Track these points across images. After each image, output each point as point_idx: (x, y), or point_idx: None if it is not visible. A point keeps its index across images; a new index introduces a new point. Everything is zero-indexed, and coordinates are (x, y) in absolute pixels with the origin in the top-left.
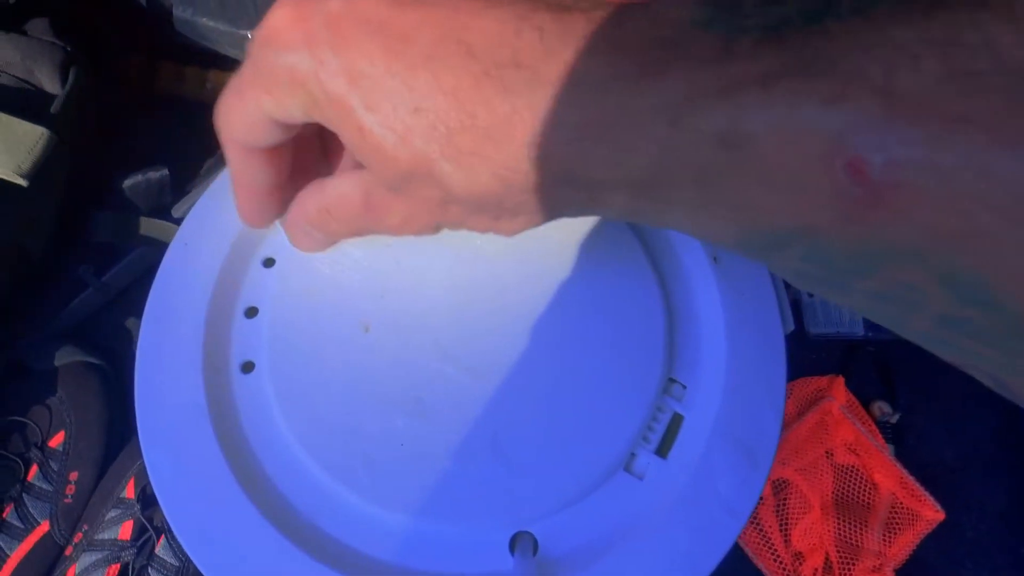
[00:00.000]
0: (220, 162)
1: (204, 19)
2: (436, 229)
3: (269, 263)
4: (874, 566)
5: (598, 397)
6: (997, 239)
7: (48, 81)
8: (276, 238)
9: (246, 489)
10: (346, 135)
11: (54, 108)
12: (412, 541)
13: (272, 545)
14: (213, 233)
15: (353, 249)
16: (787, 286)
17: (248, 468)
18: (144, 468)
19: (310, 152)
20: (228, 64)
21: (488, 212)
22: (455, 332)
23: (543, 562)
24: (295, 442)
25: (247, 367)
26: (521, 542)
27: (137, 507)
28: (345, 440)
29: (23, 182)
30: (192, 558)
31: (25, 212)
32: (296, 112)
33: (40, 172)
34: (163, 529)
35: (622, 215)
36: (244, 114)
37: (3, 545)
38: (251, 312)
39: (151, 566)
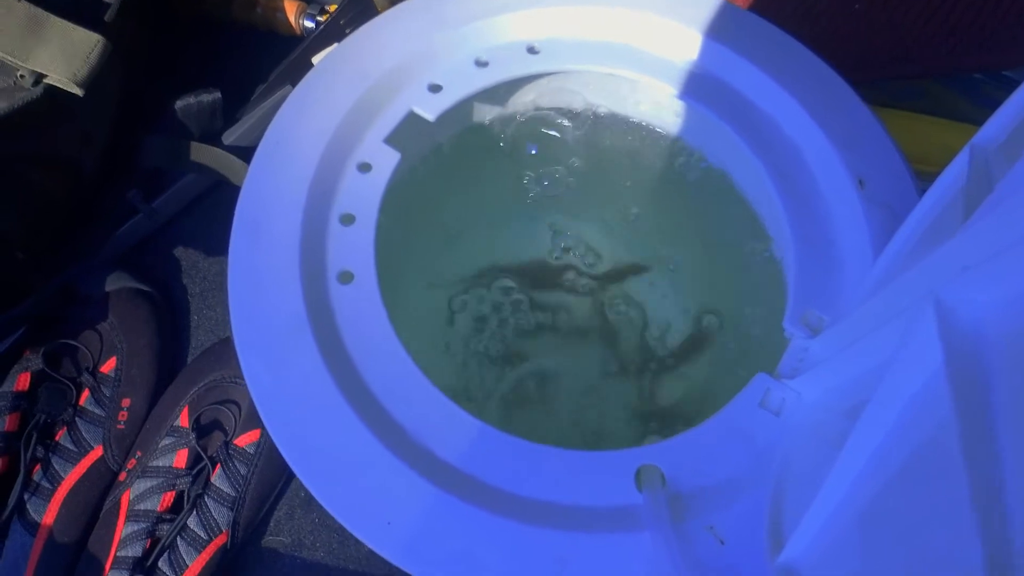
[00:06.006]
0: (272, 88)
1: None
2: None
3: (365, 168)
4: None
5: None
6: None
7: None
8: (372, 142)
9: (352, 404)
10: None
11: (108, 16)
12: (526, 464)
13: (379, 460)
14: (306, 134)
15: None
16: None
17: (351, 382)
18: (198, 398)
19: None
20: None
21: None
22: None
23: (672, 499)
24: (405, 360)
25: (345, 277)
26: (647, 475)
27: (192, 436)
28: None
29: (79, 91)
30: (293, 468)
31: (80, 125)
32: None
33: (95, 84)
34: (218, 459)
35: None
36: None
37: (58, 468)
38: (347, 219)
39: (207, 495)
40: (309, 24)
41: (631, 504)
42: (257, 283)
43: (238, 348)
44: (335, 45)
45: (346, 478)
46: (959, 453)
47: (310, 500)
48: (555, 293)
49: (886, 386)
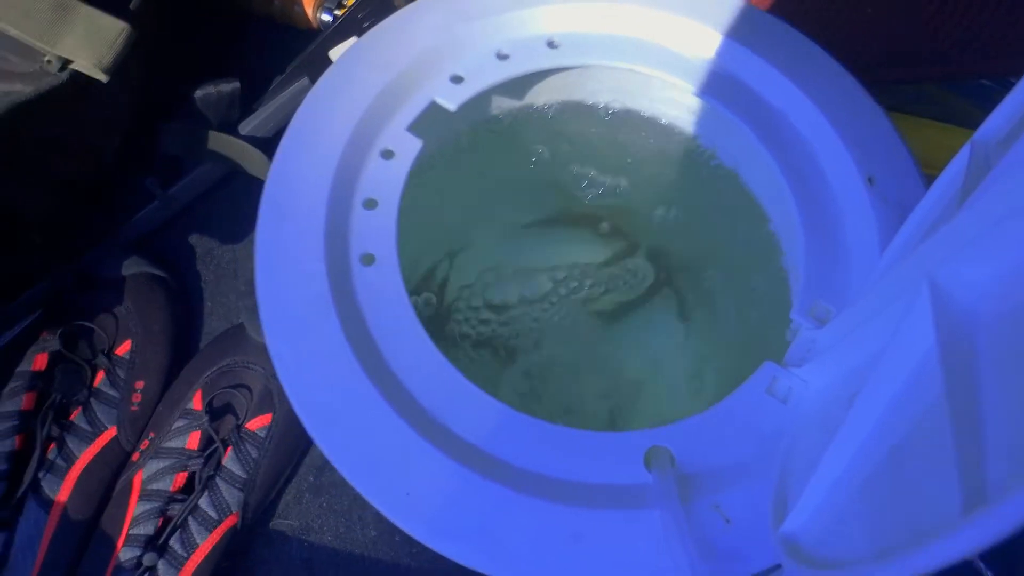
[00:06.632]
0: (289, 80)
1: None
2: None
3: (388, 155)
4: None
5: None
6: None
7: None
8: (395, 130)
9: (374, 381)
10: None
11: (133, 4)
12: (541, 444)
13: (400, 434)
14: (332, 120)
15: None
16: None
17: (373, 360)
18: (210, 381)
19: None
20: None
21: None
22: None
23: (680, 479)
24: (425, 340)
25: (367, 259)
26: (657, 456)
27: (205, 419)
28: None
29: (103, 77)
30: (314, 439)
31: (102, 112)
32: None
33: (119, 71)
34: (230, 441)
35: None
36: None
37: (72, 447)
38: (370, 204)
39: (219, 476)
40: (326, 18)
41: (643, 483)
42: (283, 262)
43: (264, 324)
44: (353, 39)
45: (367, 451)
46: (947, 415)
47: (318, 485)
48: (564, 296)
49: (884, 362)
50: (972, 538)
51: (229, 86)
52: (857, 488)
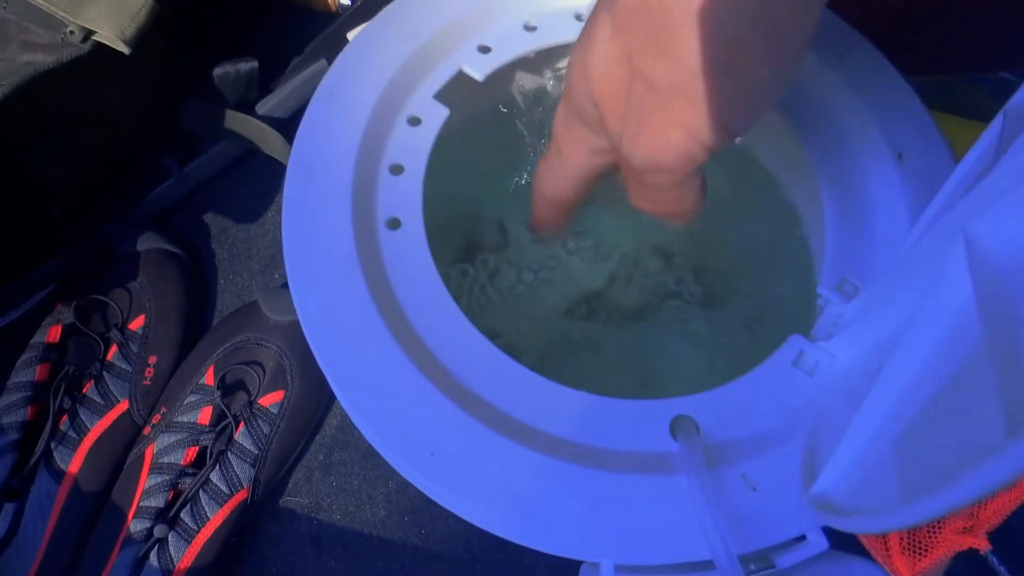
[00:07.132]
0: (307, 62)
1: None
2: None
3: (415, 122)
4: (965, 527)
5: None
6: None
7: None
8: (422, 97)
9: (400, 342)
10: None
11: None
12: (565, 409)
13: (427, 398)
14: (360, 85)
15: None
16: None
17: (398, 323)
18: (223, 357)
19: None
20: None
21: None
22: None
23: (706, 448)
24: (450, 305)
25: (393, 223)
26: (683, 424)
27: (217, 394)
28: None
29: (125, 49)
30: (342, 400)
31: (123, 85)
32: None
33: (140, 45)
34: (242, 416)
35: None
36: None
37: (84, 419)
38: (396, 169)
39: (230, 451)
40: (345, 1)
41: (671, 450)
42: (311, 224)
43: (291, 284)
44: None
45: (391, 410)
46: (986, 355)
47: (328, 464)
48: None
49: (921, 318)
50: (1018, 458)
51: (247, 65)
52: (891, 442)
